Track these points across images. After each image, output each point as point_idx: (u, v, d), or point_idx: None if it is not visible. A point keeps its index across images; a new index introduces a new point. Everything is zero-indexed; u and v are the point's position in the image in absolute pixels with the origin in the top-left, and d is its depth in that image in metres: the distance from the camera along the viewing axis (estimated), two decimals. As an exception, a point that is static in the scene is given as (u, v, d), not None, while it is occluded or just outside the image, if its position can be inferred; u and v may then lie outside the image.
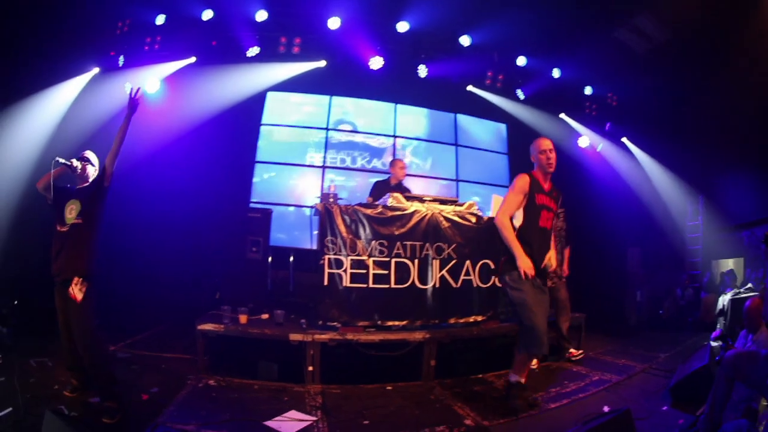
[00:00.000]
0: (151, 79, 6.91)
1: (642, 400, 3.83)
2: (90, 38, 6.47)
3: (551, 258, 3.71)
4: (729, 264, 8.22)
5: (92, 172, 3.73)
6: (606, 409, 3.56)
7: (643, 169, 9.11)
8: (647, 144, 9.09)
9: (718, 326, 5.96)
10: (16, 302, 4.80)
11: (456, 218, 4.87)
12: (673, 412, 3.49)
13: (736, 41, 6.51)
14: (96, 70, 6.62)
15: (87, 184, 3.71)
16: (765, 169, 7.20)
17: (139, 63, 6.87)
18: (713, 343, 4.35)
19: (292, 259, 6.28)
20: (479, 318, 4.82)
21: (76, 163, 3.67)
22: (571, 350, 5.12)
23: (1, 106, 5.62)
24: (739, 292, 6.17)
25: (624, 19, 7.22)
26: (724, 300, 6.25)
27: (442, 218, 4.81)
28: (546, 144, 3.68)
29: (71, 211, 3.52)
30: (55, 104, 6.24)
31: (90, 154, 3.81)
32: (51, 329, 4.61)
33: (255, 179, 8.03)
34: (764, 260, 7.06)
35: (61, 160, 3.58)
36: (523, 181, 3.61)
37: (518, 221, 3.58)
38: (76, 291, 3.32)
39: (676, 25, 7.05)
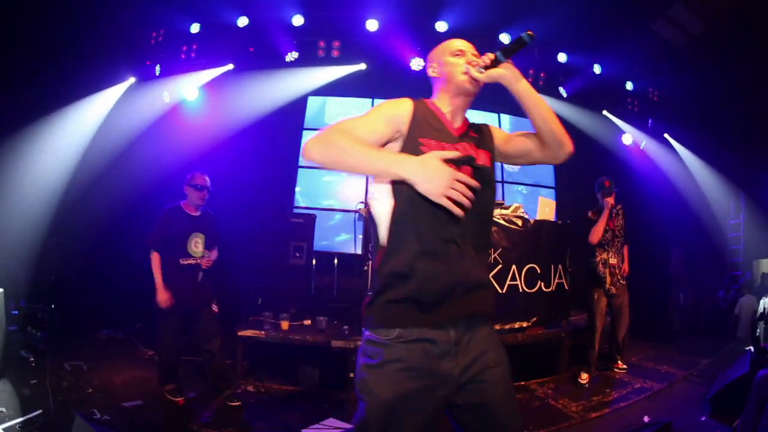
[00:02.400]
0: (189, 87, 7.02)
1: (682, 409, 3.96)
2: (125, 49, 6.62)
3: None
4: (769, 265, 8.07)
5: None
6: (646, 419, 3.71)
7: (686, 165, 8.91)
8: (688, 140, 8.85)
9: (758, 331, 5.92)
10: (53, 306, 4.91)
11: (502, 222, 4.74)
12: (711, 423, 3.59)
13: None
14: (132, 79, 6.79)
15: (200, 213, 4.02)
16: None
17: (176, 71, 7.01)
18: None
19: (336, 262, 6.38)
20: (524, 324, 4.81)
21: None
22: (619, 362, 5.07)
23: (41, 117, 5.84)
24: (782, 295, 6.09)
25: (659, 10, 7.01)
26: (765, 303, 6.17)
27: (489, 223, 4.78)
28: (458, 44, 1.76)
29: (197, 244, 3.93)
30: (92, 114, 6.42)
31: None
32: (88, 333, 5.06)
33: (297, 186, 8.11)
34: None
35: None
36: (399, 106, 1.66)
37: (382, 203, 1.66)
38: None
39: (710, 16, 6.83)
